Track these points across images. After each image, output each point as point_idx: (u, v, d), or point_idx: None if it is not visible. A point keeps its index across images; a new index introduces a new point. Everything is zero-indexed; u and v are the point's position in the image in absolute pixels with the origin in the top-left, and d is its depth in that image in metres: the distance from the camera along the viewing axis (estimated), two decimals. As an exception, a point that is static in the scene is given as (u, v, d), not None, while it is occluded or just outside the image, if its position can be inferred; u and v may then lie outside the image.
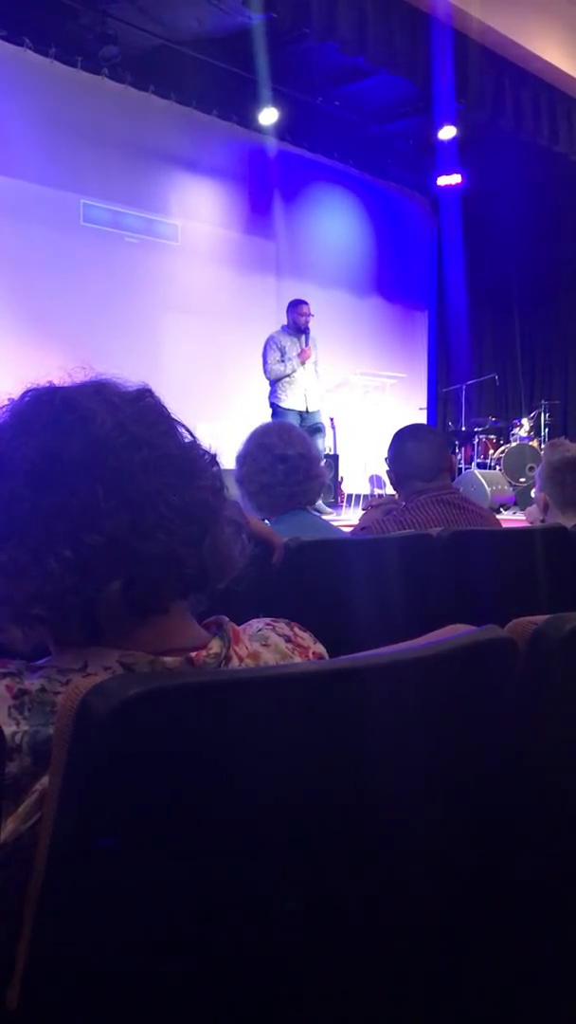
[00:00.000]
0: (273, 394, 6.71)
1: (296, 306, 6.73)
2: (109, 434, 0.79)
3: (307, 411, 6.71)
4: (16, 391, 0.84)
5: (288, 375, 6.61)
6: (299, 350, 6.63)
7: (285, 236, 8.61)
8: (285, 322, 6.83)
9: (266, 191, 8.48)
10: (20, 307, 6.85)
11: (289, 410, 6.63)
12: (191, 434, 0.86)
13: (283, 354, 6.62)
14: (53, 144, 7.02)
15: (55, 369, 0.87)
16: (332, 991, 0.74)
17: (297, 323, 6.70)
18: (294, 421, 6.54)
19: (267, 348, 6.68)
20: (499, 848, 0.85)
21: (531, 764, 0.84)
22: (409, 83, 6.70)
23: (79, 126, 7.15)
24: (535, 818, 0.85)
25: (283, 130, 8.37)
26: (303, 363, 6.62)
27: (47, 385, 0.84)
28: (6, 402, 0.84)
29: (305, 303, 6.74)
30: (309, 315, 6.69)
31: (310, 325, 6.71)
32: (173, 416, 0.86)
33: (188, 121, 7.87)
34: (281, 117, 8.08)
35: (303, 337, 6.68)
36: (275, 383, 6.68)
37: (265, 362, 6.67)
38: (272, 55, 6.79)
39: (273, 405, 6.70)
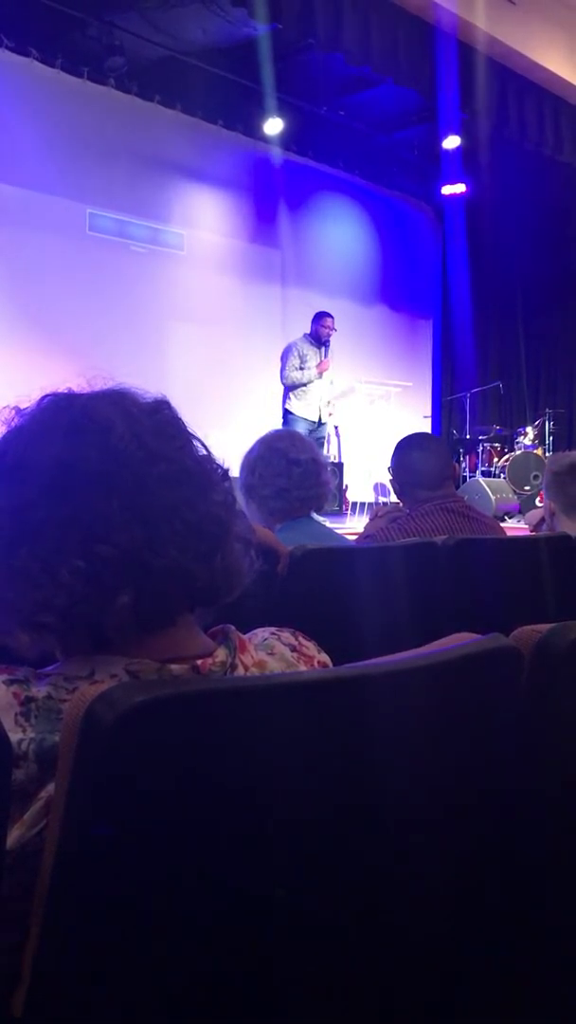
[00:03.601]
0: (287, 400, 6.80)
1: (321, 318, 6.84)
2: (127, 447, 0.78)
3: (319, 422, 6.80)
4: (28, 398, 0.84)
5: (304, 384, 6.70)
6: (319, 361, 6.72)
7: (290, 245, 8.63)
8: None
9: (271, 200, 8.50)
10: (26, 315, 6.87)
11: (301, 418, 6.72)
12: (205, 447, 0.86)
13: (302, 362, 6.71)
14: (59, 154, 7.05)
15: (60, 378, 0.86)
16: (336, 998, 0.74)
17: (319, 334, 6.80)
18: (304, 430, 6.60)
19: (287, 354, 6.78)
20: (504, 856, 0.85)
21: (536, 772, 0.84)
22: (414, 93, 6.72)
23: (85, 136, 7.18)
24: (540, 826, 0.85)
25: (288, 140, 8.40)
26: (320, 375, 6.70)
27: (65, 391, 0.84)
28: (13, 409, 0.84)
29: (330, 316, 6.84)
30: (332, 329, 6.81)
31: (331, 339, 6.82)
32: (189, 429, 0.86)
33: (194, 131, 7.90)
34: (286, 127, 8.11)
35: (323, 349, 6.77)
36: (289, 390, 6.76)
37: (283, 367, 6.76)
38: (277, 65, 6.82)
39: (286, 412, 6.79)
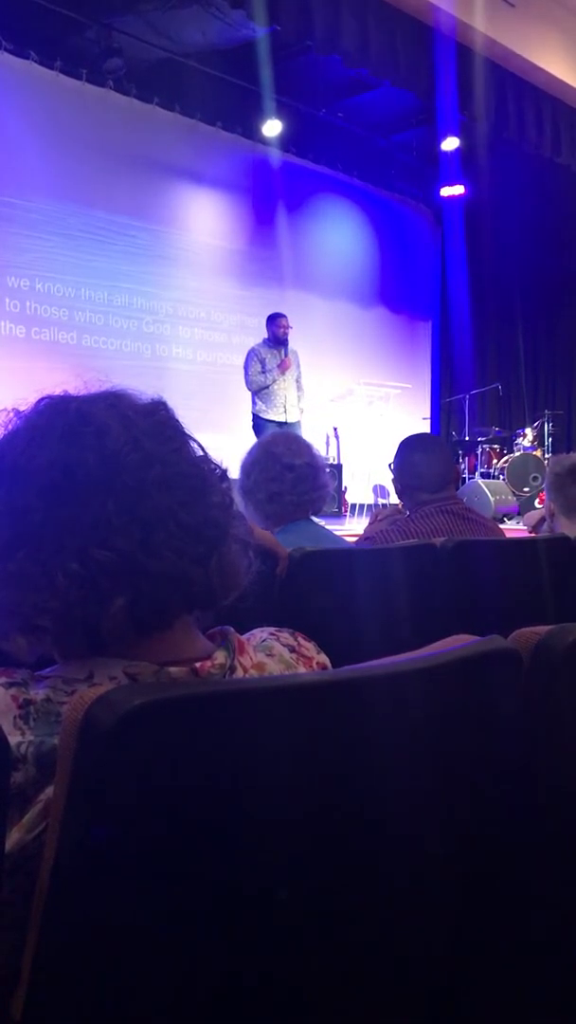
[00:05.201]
0: (254, 405, 6.92)
1: (275, 319, 6.94)
2: (123, 449, 0.78)
3: (286, 423, 6.87)
4: (25, 400, 0.84)
5: (268, 386, 6.79)
6: (279, 361, 6.81)
7: (289, 247, 8.63)
8: (294, 333, 6.99)
9: (270, 202, 8.51)
10: (24, 319, 6.88)
11: (270, 421, 6.80)
12: (202, 449, 0.86)
13: (263, 365, 6.82)
14: (58, 156, 7.06)
15: (58, 380, 0.86)
16: (334, 1002, 0.74)
17: (276, 335, 6.89)
18: None
19: (248, 360, 6.89)
20: (503, 859, 0.85)
21: (535, 775, 0.84)
22: (412, 95, 6.73)
23: (84, 138, 7.18)
24: (540, 829, 0.85)
25: (287, 142, 8.41)
26: (283, 373, 6.80)
27: (62, 394, 0.84)
28: (11, 412, 0.84)
29: (283, 316, 6.95)
30: (288, 327, 6.90)
31: (289, 338, 6.91)
32: (185, 430, 0.86)
33: (192, 133, 7.91)
34: (285, 129, 8.12)
35: (282, 349, 6.87)
36: (256, 394, 6.87)
37: (247, 373, 6.87)
38: (276, 67, 6.82)
39: (255, 416, 6.90)
